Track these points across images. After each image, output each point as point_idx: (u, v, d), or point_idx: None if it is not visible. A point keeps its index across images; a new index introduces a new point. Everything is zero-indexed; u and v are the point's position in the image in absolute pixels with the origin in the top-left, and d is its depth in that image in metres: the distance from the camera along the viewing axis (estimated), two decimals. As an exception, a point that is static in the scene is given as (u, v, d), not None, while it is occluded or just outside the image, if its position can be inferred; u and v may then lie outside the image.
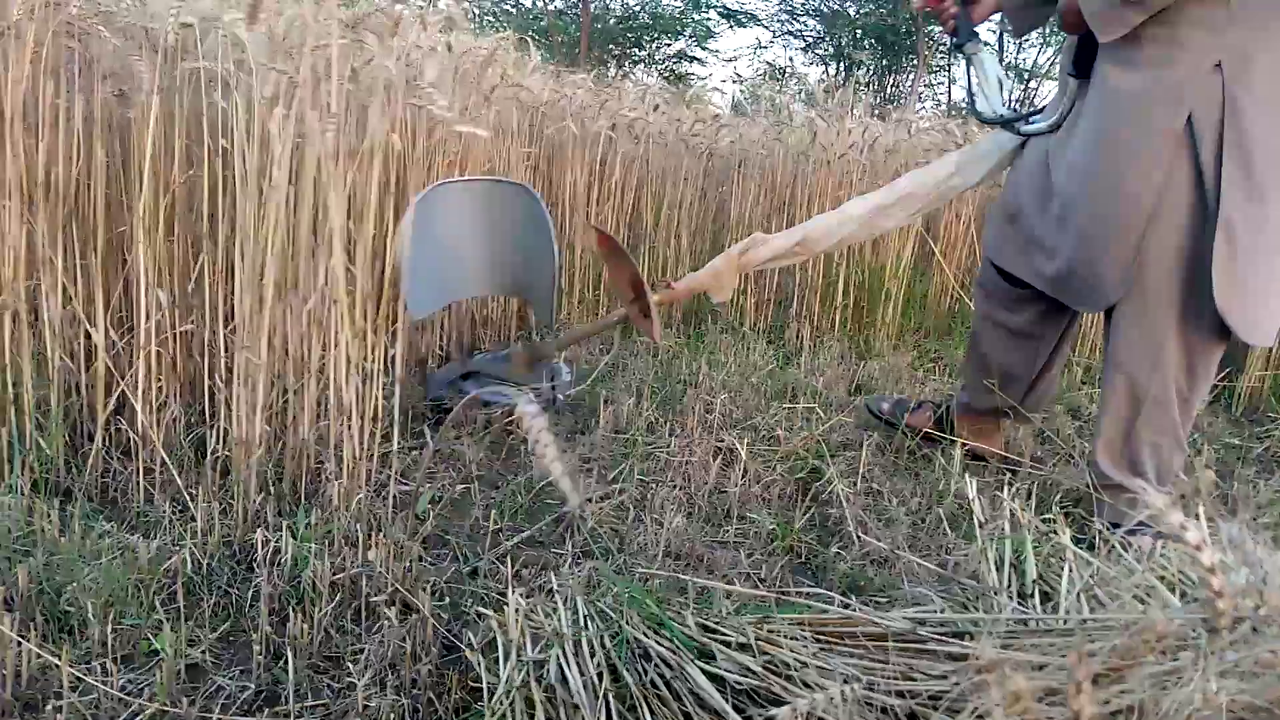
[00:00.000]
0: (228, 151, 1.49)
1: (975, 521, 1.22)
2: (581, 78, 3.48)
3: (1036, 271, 1.74)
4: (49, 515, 1.30)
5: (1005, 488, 1.47)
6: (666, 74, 18.89)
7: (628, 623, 0.96)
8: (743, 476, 1.78)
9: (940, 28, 1.82)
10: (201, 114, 1.53)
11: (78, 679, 1.02)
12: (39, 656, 1.04)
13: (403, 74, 1.76)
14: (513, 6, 17.70)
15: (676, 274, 3.32)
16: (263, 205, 1.42)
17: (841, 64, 18.64)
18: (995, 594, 1.06)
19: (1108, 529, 1.62)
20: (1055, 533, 1.19)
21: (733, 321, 3.30)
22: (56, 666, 1.02)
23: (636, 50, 18.66)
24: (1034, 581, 1.06)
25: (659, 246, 3.39)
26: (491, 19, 17.64)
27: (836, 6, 17.19)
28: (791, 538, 1.59)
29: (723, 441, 1.94)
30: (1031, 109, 1.83)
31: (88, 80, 1.66)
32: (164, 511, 1.42)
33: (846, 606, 1.03)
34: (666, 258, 3.35)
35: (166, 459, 1.49)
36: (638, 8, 18.01)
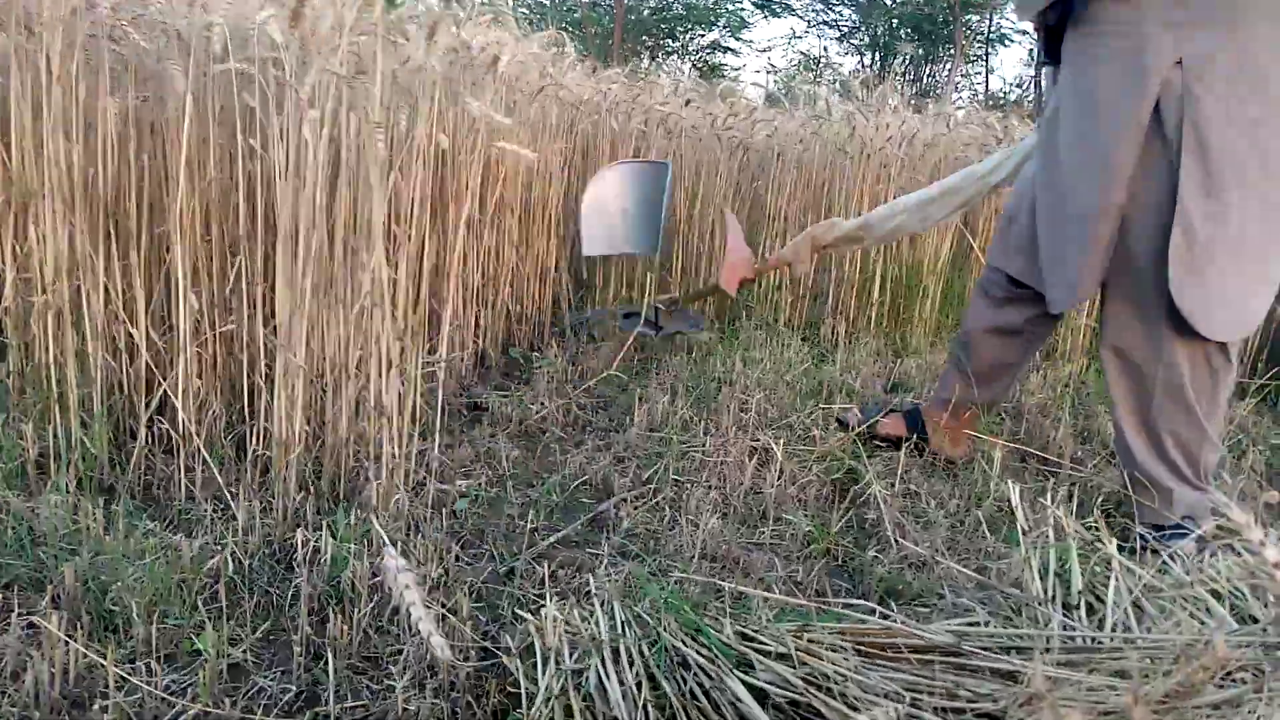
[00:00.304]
0: (263, 152, 1.50)
1: (1018, 528, 1.20)
2: (615, 73, 3.46)
3: (1025, 270, 1.78)
4: (94, 514, 1.32)
5: (1048, 494, 1.44)
6: (700, 65, 18.81)
7: (666, 630, 0.96)
8: (778, 477, 1.77)
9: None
10: (238, 114, 1.53)
11: (123, 678, 1.04)
12: (85, 655, 1.05)
13: (445, 75, 1.76)
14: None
15: (709, 272, 3.31)
16: (299, 207, 1.43)
17: (877, 54, 18.44)
18: (1040, 605, 1.04)
19: (1149, 534, 1.59)
20: (1100, 541, 1.17)
21: (767, 317, 3.28)
22: (103, 666, 1.04)
23: (670, 41, 18.61)
24: (1079, 592, 1.04)
25: (693, 240, 3.37)
26: (526, 11, 17.66)
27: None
28: (828, 541, 1.57)
29: (758, 441, 1.92)
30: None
31: (124, 81, 1.67)
32: (205, 510, 1.44)
33: (886, 616, 1.02)
34: (700, 252, 3.33)
35: (208, 457, 1.50)
36: (671, -1, 17.94)
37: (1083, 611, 1.01)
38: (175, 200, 1.50)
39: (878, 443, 2.10)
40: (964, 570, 1.37)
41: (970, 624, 0.96)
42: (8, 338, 1.54)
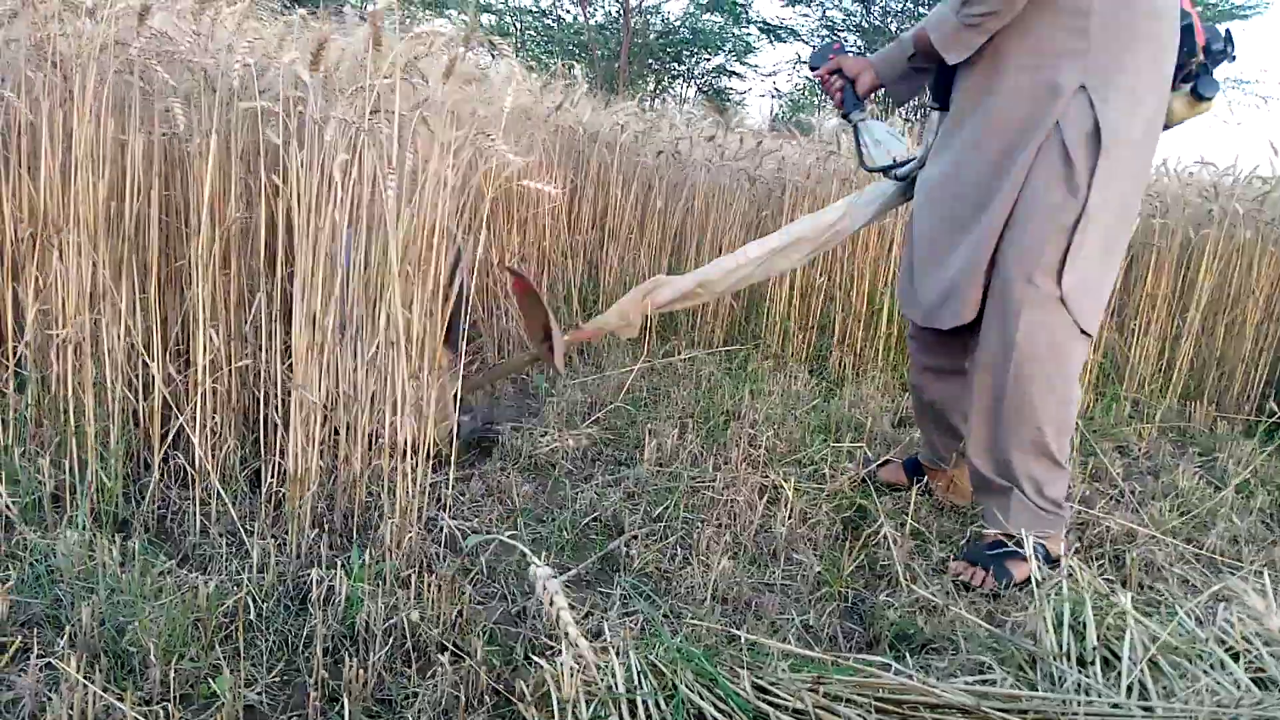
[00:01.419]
0: (280, 191, 1.51)
1: (1032, 579, 1.20)
2: (627, 105, 3.50)
3: (911, 308, 1.84)
4: (110, 550, 1.32)
5: (1060, 541, 1.44)
6: (706, 89, 18.92)
7: (682, 682, 0.96)
8: (789, 516, 1.77)
9: (831, 100, 2.00)
10: (258, 152, 1.56)
11: (140, 722, 1.04)
12: (103, 698, 1.06)
13: (457, 112, 1.78)
14: (554, 22, 17.83)
15: (721, 300, 3.32)
16: (317, 248, 1.44)
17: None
18: (1055, 660, 1.04)
19: (982, 553, 1.68)
20: (1114, 593, 1.17)
21: (775, 349, 3.29)
22: (120, 709, 1.04)
23: (676, 65, 18.72)
24: (1094, 648, 1.05)
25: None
26: (533, 34, 17.80)
27: (877, 23, 17.12)
28: (840, 584, 1.57)
29: (768, 478, 1.93)
30: (909, 158, 1.96)
31: (147, 115, 1.70)
32: (220, 545, 1.45)
33: (901, 671, 1.02)
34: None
35: (222, 492, 1.51)
36: (678, 23, 18.06)
37: (1098, 668, 1.01)
38: (196, 235, 1.51)
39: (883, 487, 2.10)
40: (976, 620, 1.37)
41: (987, 681, 0.96)
42: (27, 370, 1.55)
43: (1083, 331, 1.63)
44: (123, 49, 1.59)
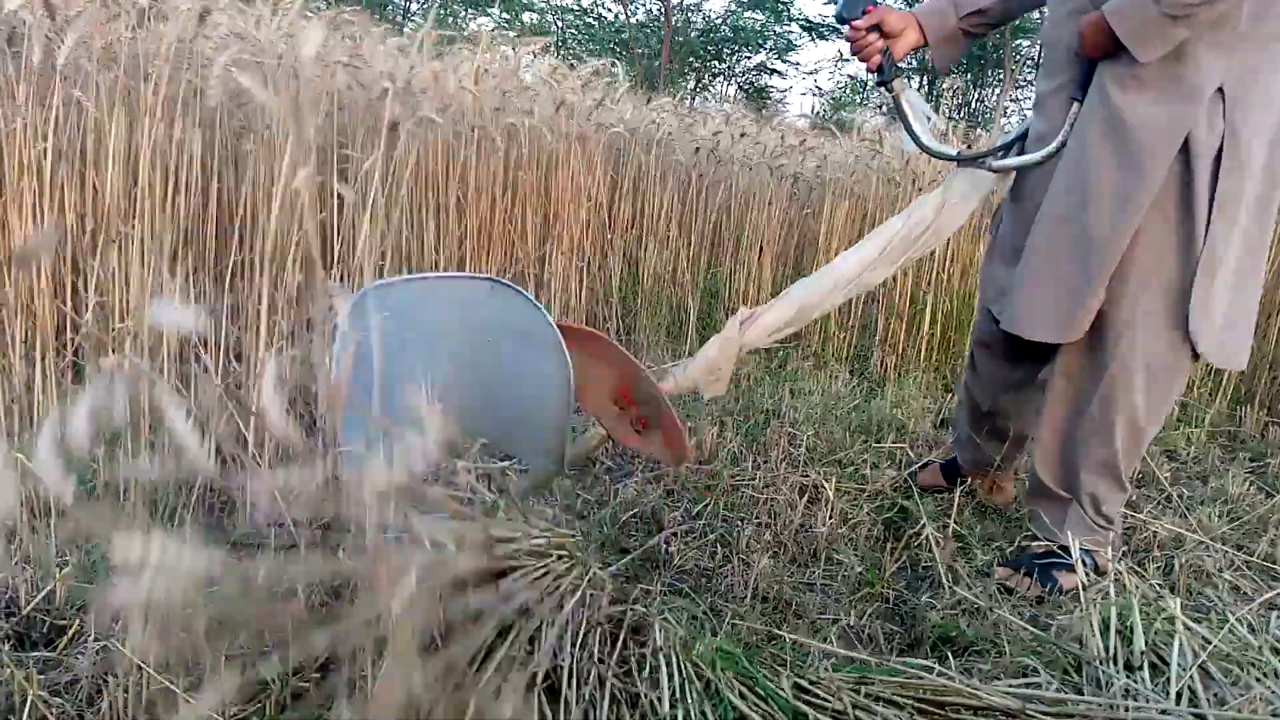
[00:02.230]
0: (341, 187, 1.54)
1: (1080, 584, 1.19)
2: (666, 102, 3.50)
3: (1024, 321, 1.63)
4: (163, 539, 1.35)
5: (1108, 546, 1.43)
6: (746, 86, 18.87)
7: (725, 684, 0.97)
8: (830, 516, 1.77)
9: (865, 64, 1.71)
10: (328, 149, 1.58)
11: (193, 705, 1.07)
12: (158, 682, 1.08)
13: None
14: (595, 20, 17.88)
15: (756, 300, 3.31)
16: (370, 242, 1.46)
17: (925, 77, 18.37)
18: (1101, 664, 1.03)
19: (1030, 563, 1.64)
20: (1161, 599, 1.16)
21: (815, 349, 3.28)
22: (174, 693, 1.07)
23: (716, 63, 18.68)
24: (1142, 652, 1.03)
25: (738, 271, 3.39)
26: (574, 32, 17.86)
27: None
28: (881, 584, 1.57)
29: (808, 478, 1.92)
30: (998, 145, 1.74)
31: (208, 113, 1.74)
32: (269, 535, 1.47)
33: (943, 673, 1.02)
34: (747, 288, 3.33)
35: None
36: (719, 21, 18.01)
37: (1146, 673, 1.00)
38: (259, 232, 1.55)
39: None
40: (1020, 623, 1.36)
41: (1031, 684, 0.95)
42: (86, 362, 1.59)
43: (1195, 356, 1.52)
44: (187, 48, 1.63)
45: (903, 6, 1.73)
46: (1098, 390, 1.57)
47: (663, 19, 16.78)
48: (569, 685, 1.03)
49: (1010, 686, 0.93)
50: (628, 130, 3.27)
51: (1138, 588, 1.18)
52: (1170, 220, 1.47)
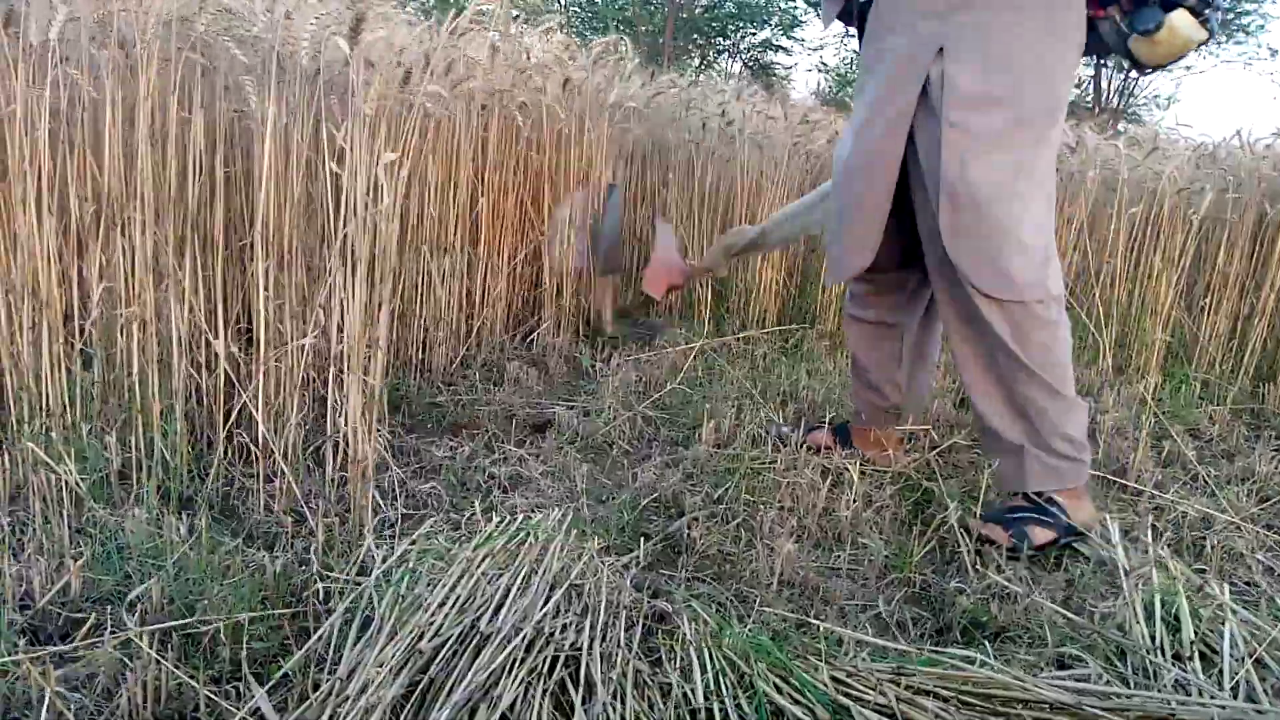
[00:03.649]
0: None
1: (1119, 568, 1.15)
2: (673, 78, 3.44)
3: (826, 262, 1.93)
4: (177, 528, 1.33)
5: (1148, 530, 1.39)
6: (751, 63, 18.70)
7: (759, 676, 0.93)
8: (853, 499, 1.73)
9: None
10: (325, 135, 1.54)
11: (212, 700, 1.04)
12: (176, 676, 1.06)
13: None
14: (598, -3, 17.73)
15: (772, 282, 3.27)
16: (369, 227, 1.43)
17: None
18: (1147, 653, 1.00)
19: (1002, 515, 1.66)
20: (1207, 585, 1.12)
21: (830, 328, 3.23)
22: (193, 687, 1.04)
23: (721, 40, 18.51)
24: (1192, 642, 1.00)
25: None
26: (578, 9, 17.71)
27: None
28: (909, 569, 1.53)
29: (831, 460, 1.89)
30: None
31: (209, 93, 1.69)
32: (286, 523, 1.45)
33: (986, 663, 0.98)
34: (761, 266, 3.28)
35: (286, 470, 1.51)
36: (723, -3, 17.85)
37: (1197, 663, 0.97)
38: (260, 214, 1.51)
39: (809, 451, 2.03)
40: (1054, 607, 1.32)
41: (1081, 676, 0.92)
42: (93, 348, 1.56)
43: (984, 294, 1.60)
44: (186, 25, 1.59)
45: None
46: (987, 338, 1.64)
47: (667, -5, 16.63)
48: (596, 671, 1.00)
49: (1059, 678, 0.89)
50: (638, 106, 3.21)
51: (1182, 573, 1.14)
52: (924, 168, 1.62)
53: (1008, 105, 1.56)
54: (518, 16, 2.92)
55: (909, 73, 1.60)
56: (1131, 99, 19.34)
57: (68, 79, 1.55)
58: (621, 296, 3.15)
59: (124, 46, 1.47)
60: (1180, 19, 1.54)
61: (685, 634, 1.02)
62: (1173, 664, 0.98)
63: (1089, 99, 18.46)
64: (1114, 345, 3.13)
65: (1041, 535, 1.60)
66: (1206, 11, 1.55)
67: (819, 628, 1.18)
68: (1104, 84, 20.26)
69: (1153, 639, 1.03)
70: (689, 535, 1.59)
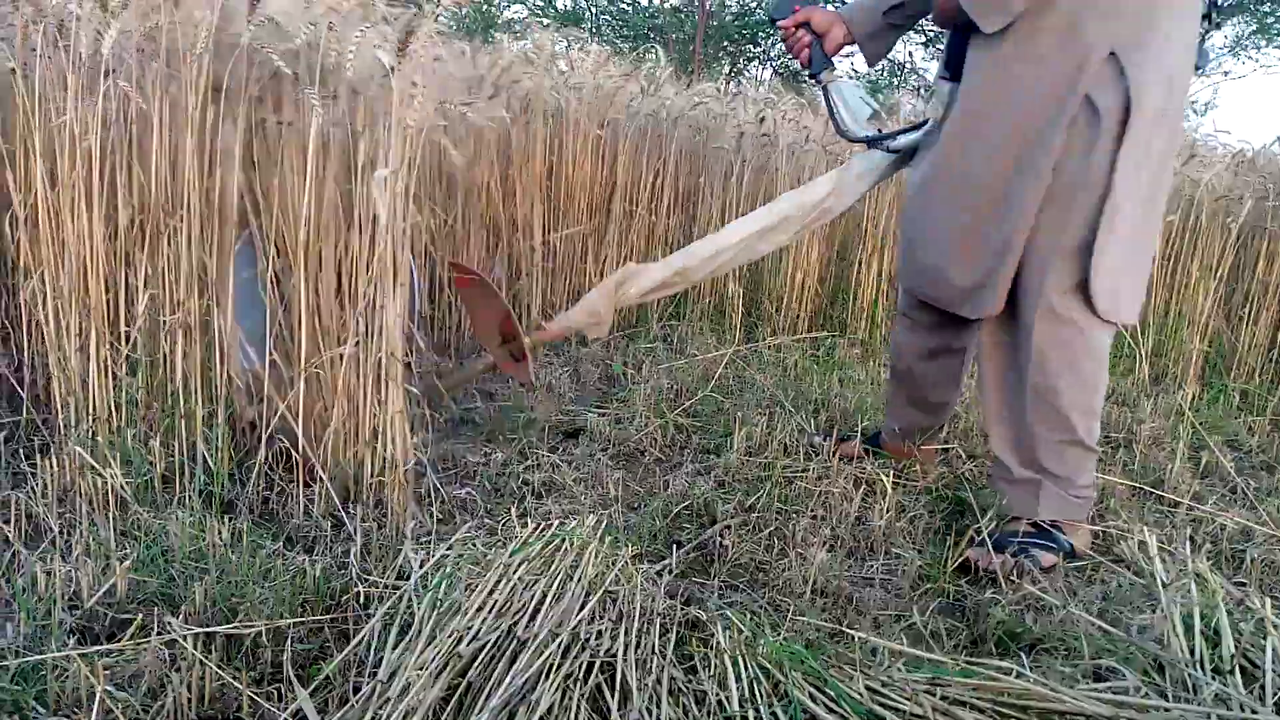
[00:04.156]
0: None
1: (1157, 580, 1.15)
2: (708, 87, 3.45)
3: (935, 293, 1.72)
4: (219, 531, 1.35)
5: (1187, 543, 1.38)
6: (781, 70, 18.67)
7: (794, 685, 0.94)
8: (886, 509, 1.73)
9: (796, 59, 1.84)
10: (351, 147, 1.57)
11: (255, 701, 1.06)
12: (220, 677, 1.08)
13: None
14: (629, 5, 17.77)
15: (800, 298, 3.26)
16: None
17: (964, 59, 18.05)
18: (1186, 666, 0.99)
19: (1011, 539, 1.63)
20: (1247, 598, 1.11)
21: (862, 336, 3.23)
22: (236, 688, 1.06)
23: (751, 47, 18.49)
24: (1232, 655, 0.99)
25: (785, 257, 3.34)
26: (608, 18, 17.77)
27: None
28: (943, 580, 1.53)
29: (864, 470, 1.89)
30: (902, 128, 1.81)
31: (252, 106, 1.72)
32: (325, 528, 1.47)
33: (1023, 674, 0.98)
34: (794, 272, 3.28)
35: (324, 476, 1.53)
36: (754, 4, 17.82)
37: (1238, 678, 0.96)
38: (297, 227, 1.54)
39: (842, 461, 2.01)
40: (1090, 618, 1.31)
41: (1118, 689, 0.92)
42: (138, 354, 1.59)
43: (1104, 321, 1.56)
44: (231, 36, 1.62)
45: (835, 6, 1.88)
46: (1029, 365, 1.60)
47: (696, 3, 16.64)
48: (631, 677, 1.01)
49: (1096, 690, 0.89)
50: (670, 117, 3.23)
51: (1221, 586, 1.13)
52: (1073, 182, 1.50)
53: (1165, 123, 1.51)
54: (548, 26, 2.94)
55: (1063, 92, 1.48)
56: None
57: (117, 91, 1.59)
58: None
59: (170, 60, 1.50)
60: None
61: (720, 642, 1.02)
62: (1213, 678, 0.97)
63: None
64: (1151, 355, 3.10)
65: (1048, 559, 1.61)
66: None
67: (853, 637, 1.18)
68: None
69: (1192, 652, 1.02)
70: (721, 543, 1.60)
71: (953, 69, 1.64)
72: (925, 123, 1.76)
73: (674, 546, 1.58)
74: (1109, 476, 2.00)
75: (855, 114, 1.82)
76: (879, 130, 1.82)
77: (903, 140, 1.77)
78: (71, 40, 1.50)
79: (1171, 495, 1.98)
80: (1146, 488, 2.02)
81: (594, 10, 17.67)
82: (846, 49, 1.82)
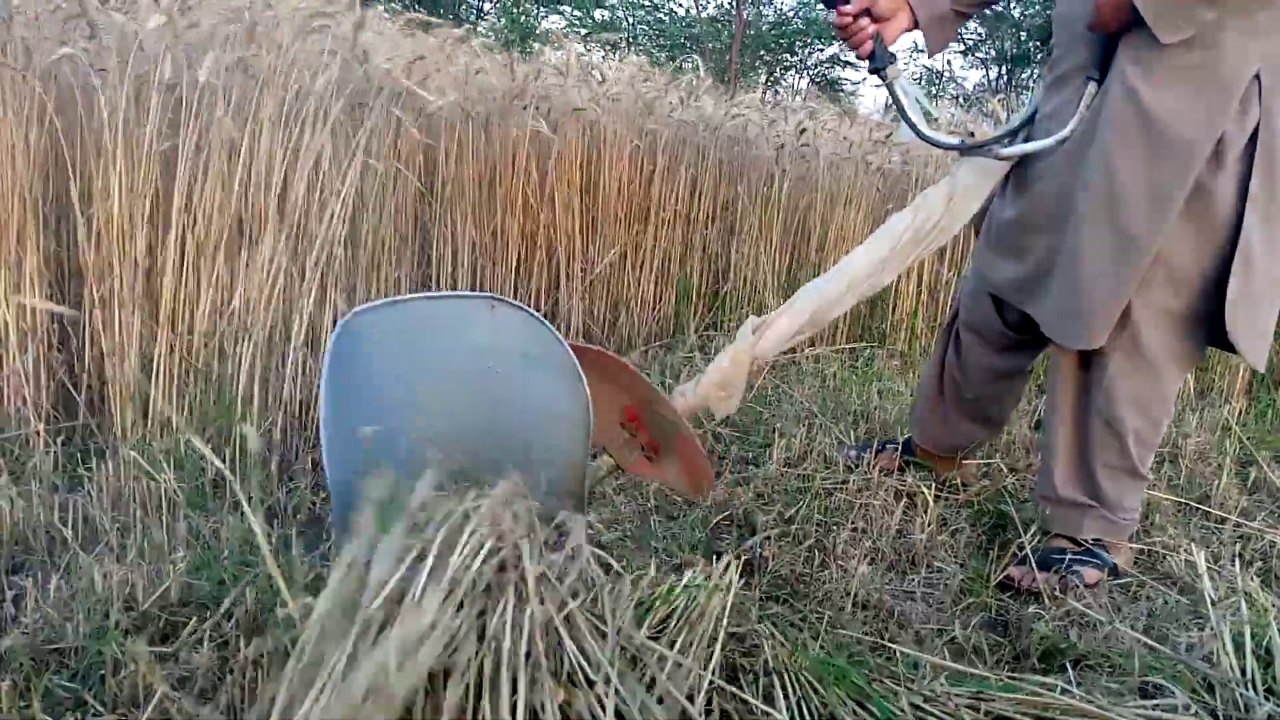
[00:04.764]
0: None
1: (1206, 598, 1.13)
2: (750, 99, 3.46)
3: (1040, 308, 1.57)
4: (269, 537, 1.38)
5: (1234, 560, 1.36)
6: (818, 79, 18.62)
7: (837, 702, 0.94)
8: (928, 522, 1.72)
9: (855, 51, 1.62)
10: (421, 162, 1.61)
11: (305, 704, 1.08)
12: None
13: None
14: (666, 15, 17.84)
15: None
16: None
17: (1004, 67, 17.91)
18: (1238, 685, 0.98)
19: (1055, 555, 1.60)
20: (1299, 617, 1.10)
21: (900, 348, 3.21)
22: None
23: (788, 56, 18.47)
24: (1284, 676, 0.98)
25: (822, 268, 3.33)
26: (645, 28, 17.84)
27: (1000, 8, 16.47)
28: (985, 595, 1.52)
29: (904, 482, 1.88)
30: (1007, 129, 1.67)
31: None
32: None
33: (1068, 690, 0.97)
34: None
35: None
36: (791, 13, 17.81)
37: (1290, 699, 0.95)
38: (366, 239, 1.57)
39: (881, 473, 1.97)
40: (1136, 634, 1.30)
41: (1166, 706, 0.91)
42: (198, 362, 1.63)
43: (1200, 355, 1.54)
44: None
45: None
46: (1097, 391, 1.55)
47: (734, 13, 16.66)
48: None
49: (1144, 707, 0.88)
50: (709, 128, 3.24)
51: (1272, 604, 1.12)
52: (1197, 215, 1.40)
53: None
54: (588, 35, 2.97)
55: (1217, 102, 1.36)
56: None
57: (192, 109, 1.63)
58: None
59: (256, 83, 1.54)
60: None
61: (766, 658, 1.03)
62: (1266, 698, 0.96)
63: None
64: (1196, 368, 3.05)
65: (1092, 575, 1.58)
66: None
67: (896, 652, 1.18)
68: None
69: (1243, 672, 1.01)
70: (761, 555, 1.60)
71: (1102, 69, 1.46)
72: (1024, 126, 1.63)
73: (714, 557, 1.58)
74: (1154, 492, 1.98)
75: (919, 114, 1.65)
76: (964, 136, 1.68)
77: (1017, 148, 1.57)
78: (159, 70, 1.54)
79: (1218, 511, 1.95)
80: (1193, 503, 1.99)
81: (631, 20, 17.75)
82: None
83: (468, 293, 1.72)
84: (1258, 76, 1.34)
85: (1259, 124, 1.35)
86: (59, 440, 1.65)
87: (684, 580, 1.23)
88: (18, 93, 1.56)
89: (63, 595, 1.25)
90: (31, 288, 1.62)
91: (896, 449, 2.05)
